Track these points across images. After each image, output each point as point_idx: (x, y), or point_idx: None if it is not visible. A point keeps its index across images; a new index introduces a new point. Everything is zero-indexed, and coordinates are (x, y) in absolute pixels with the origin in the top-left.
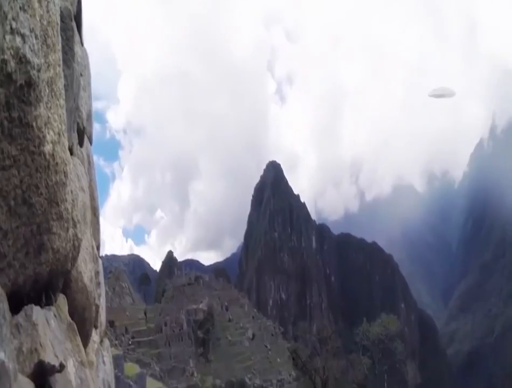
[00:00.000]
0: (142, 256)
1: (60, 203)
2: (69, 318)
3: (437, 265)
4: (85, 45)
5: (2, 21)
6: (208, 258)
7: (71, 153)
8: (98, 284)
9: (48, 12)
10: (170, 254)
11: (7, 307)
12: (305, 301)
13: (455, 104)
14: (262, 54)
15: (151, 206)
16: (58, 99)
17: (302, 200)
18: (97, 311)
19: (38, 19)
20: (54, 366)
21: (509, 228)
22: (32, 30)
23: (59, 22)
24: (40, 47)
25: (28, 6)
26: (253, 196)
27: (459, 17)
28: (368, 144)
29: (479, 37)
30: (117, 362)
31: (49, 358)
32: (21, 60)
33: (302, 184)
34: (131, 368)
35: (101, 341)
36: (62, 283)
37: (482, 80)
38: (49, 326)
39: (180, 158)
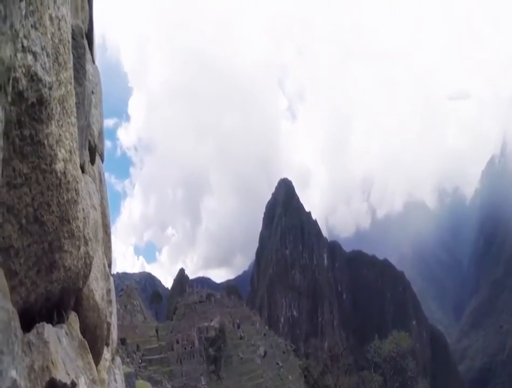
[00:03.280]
0: (153, 273)
1: (71, 221)
2: (80, 336)
3: (448, 281)
4: (96, 63)
5: (14, 39)
6: (219, 275)
7: (83, 171)
8: (109, 302)
9: (59, 29)
10: (182, 271)
11: (18, 325)
12: (317, 318)
13: (466, 121)
14: (273, 70)
15: (162, 223)
16: (69, 117)
17: (314, 217)
18: (108, 329)
19: (50, 36)
20: (65, 383)
21: None
22: (43, 48)
23: (70, 40)
24: (51, 65)
25: (40, 24)
26: (264, 213)
27: (469, 30)
28: (379, 161)
29: (491, 52)
30: (129, 380)
31: (61, 375)
32: (33, 78)
33: (313, 200)
34: (143, 386)
35: (113, 359)
36: (73, 301)
37: (494, 96)
38: (60, 343)
39: (191, 175)
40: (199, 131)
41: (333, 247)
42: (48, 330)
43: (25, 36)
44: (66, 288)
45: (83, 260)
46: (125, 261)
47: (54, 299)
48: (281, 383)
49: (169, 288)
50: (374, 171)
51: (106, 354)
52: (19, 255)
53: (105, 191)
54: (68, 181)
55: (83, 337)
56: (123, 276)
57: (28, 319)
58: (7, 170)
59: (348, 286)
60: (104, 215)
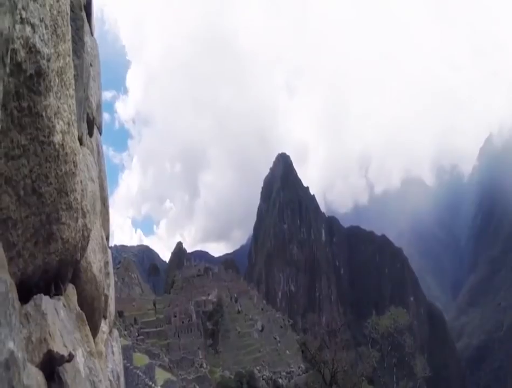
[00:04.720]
0: (151, 246)
1: (69, 193)
2: (78, 308)
3: (446, 259)
4: (95, 35)
5: (13, 10)
6: (217, 249)
7: (81, 143)
8: (107, 274)
9: (58, 1)
10: (179, 245)
11: (16, 297)
12: (314, 293)
13: (465, 98)
14: (271, 46)
15: (160, 196)
16: (68, 89)
17: (311, 193)
18: (106, 301)
19: (48, 8)
20: (63, 355)
21: None
22: (41, 20)
23: (68, 12)
24: (50, 37)
25: None
26: (262, 188)
27: (472, 8)
28: (378, 137)
29: (492, 32)
30: (126, 353)
31: (58, 347)
32: (31, 50)
33: (311, 176)
34: (140, 359)
35: (110, 331)
36: (71, 273)
37: (494, 73)
38: (58, 316)
39: (190, 148)
40: (197, 105)
41: (331, 222)
42: (45, 301)
43: (23, 8)
44: (64, 260)
45: (81, 232)
46: (123, 233)
47: (52, 272)
48: (278, 358)
49: (167, 261)
50: (372, 147)
51: (104, 326)
52: (16, 226)
53: (103, 163)
54: (66, 153)
55: (81, 310)
56: (121, 249)
57: (26, 291)
58: (5, 141)
59: (346, 261)
60: (102, 188)
